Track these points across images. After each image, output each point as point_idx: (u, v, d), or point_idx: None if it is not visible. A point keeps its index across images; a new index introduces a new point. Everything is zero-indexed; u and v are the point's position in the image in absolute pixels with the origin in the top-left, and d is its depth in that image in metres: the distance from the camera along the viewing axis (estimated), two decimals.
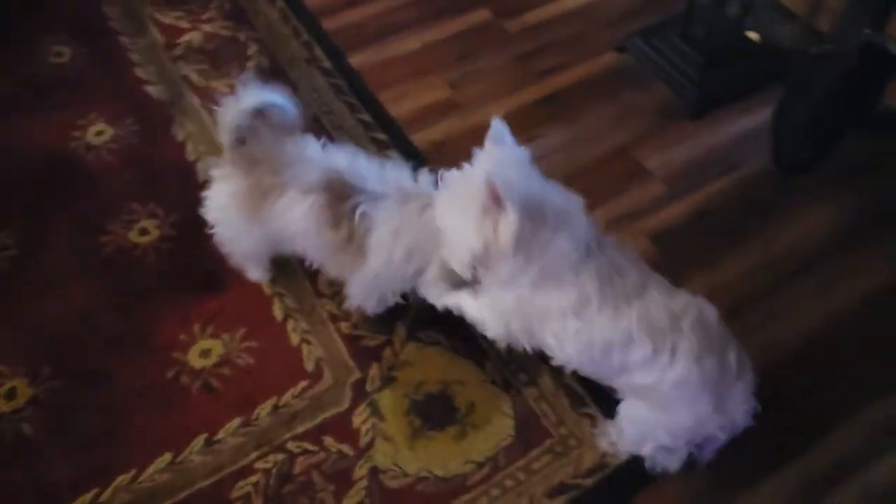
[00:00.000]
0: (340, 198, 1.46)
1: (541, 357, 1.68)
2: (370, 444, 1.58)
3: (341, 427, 1.61)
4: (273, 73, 2.30)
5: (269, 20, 2.49)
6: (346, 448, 1.58)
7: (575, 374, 1.68)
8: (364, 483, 1.53)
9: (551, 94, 2.28)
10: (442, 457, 1.58)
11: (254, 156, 1.50)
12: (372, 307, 1.69)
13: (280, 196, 1.48)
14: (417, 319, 1.76)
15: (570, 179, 2.07)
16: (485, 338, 1.74)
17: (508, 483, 1.55)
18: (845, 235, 1.96)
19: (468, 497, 1.52)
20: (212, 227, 1.66)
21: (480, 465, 1.56)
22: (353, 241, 1.48)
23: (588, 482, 1.55)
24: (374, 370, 1.69)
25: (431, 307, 1.59)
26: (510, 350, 1.71)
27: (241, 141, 1.49)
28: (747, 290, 1.85)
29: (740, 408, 1.33)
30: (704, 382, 1.29)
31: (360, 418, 1.62)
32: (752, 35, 2.33)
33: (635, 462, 1.56)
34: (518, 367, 1.71)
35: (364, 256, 1.49)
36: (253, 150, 1.50)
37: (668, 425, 1.39)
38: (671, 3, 2.41)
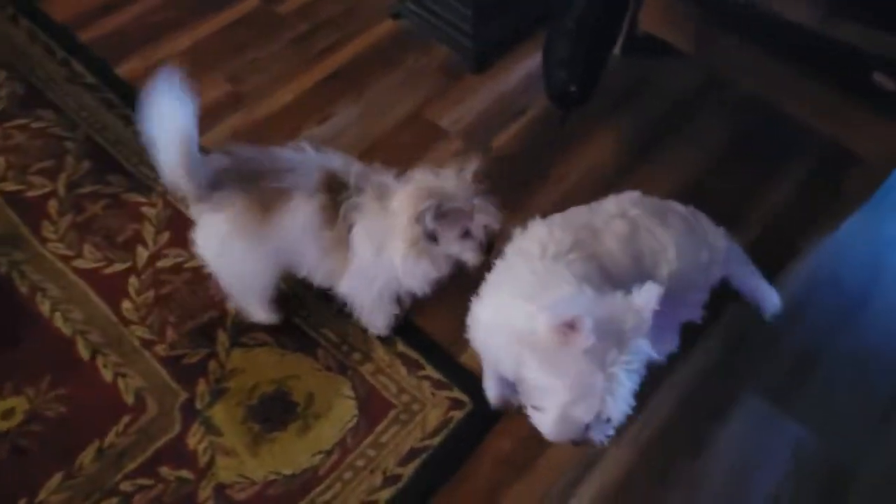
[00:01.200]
0: (334, 197, 1.44)
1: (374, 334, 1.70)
2: (210, 463, 1.52)
3: (176, 453, 1.53)
4: (31, 99, 2.10)
5: (14, 42, 2.26)
6: (185, 473, 1.50)
7: (407, 340, 1.71)
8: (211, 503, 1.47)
9: (334, 71, 2.25)
10: (289, 455, 1.54)
11: (252, 171, 1.43)
12: (379, 323, 1.67)
13: (286, 201, 1.42)
14: (237, 324, 1.70)
15: (370, 152, 2.10)
16: (312, 326, 1.72)
17: (360, 463, 1.54)
18: (633, 154, 2.10)
19: (321, 487, 1.50)
20: (208, 266, 1.56)
21: (329, 453, 1.55)
22: (342, 241, 1.47)
23: (436, 441, 1.58)
24: (201, 387, 1.61)
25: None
26: (341, 332, 1.71)
27: (212, 186, 1.40)
28: None
29: None
30: None
31: (194, 439, 1.54)
32: None
33: (478, 409, 1.61)
34: (350, 348, 1.70)
35: (348, 255, 1.48)
36: (250, 166, 1.43)
37: None
38: None
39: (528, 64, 2.31)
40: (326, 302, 1.73)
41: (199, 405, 1.59)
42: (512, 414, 1.62)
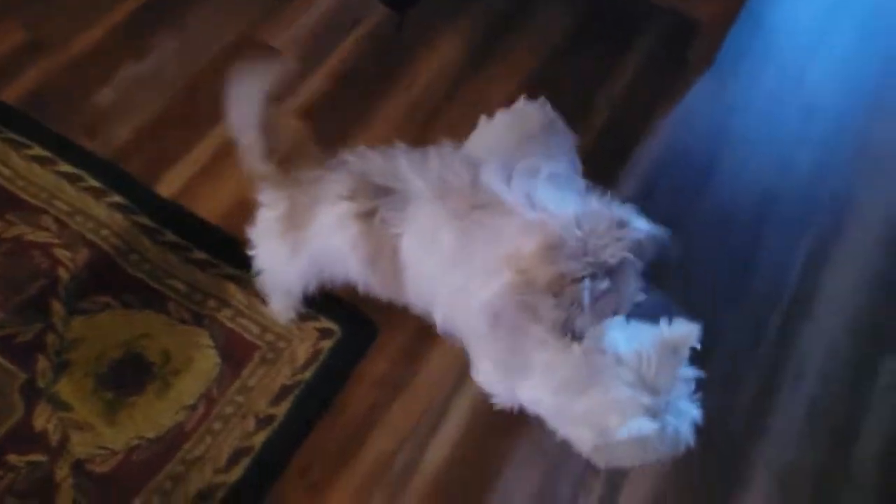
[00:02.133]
0: (366, 203, 1.16)
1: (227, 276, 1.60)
2: (63, 441, 1.40)
3: (23, 437, 1.40)
4: None
5: None
6: (36, 457, 1.38)
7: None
8: (70, 482, 1.36)
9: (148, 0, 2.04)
10: (150, 417, 1.44)
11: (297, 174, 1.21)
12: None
13: (313, 211, 1.20)
14: (72, 290, 1.55)
15: (198, 83, 1.94)
16: (157, 279, 1.60)
17: (229, 410, 1.46)
18: (477, 52, 2.03)
19: (190, 443, 1.42)
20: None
21: (194, 407, 1.46)
22: (383, 254, 1.19)
23: (308, 374, 1.52)
24: (41, 364, 1.47)
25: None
26: (191, 281, 1.60)
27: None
28: (412, 131, 1.87)
29: None
30: None
31: (41, 419, 1.42)
32: None
33: (348, 336, 1.56)
34: (204, 295, 1.59)
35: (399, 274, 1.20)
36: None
37: None
38: None
39: None
40: (171, 249, 1.61)
41: (41, 383, 1.45)
42: (384, 335, 1.58)
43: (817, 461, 1.49)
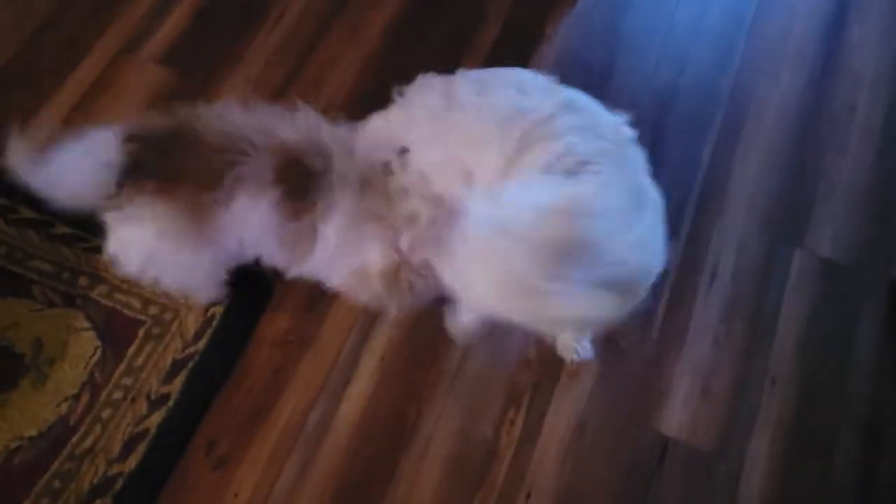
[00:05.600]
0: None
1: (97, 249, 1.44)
2: None
3: None
4: None
5: None
6: None
7: None
8: None
9: None
10: (28, 414, 1.31)
11: (173, 155, 1.10)
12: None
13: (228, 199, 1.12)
14: None
15: (41, 34, 1.71)
16: (17, 262, 1.43)
17: (117, 395, 1.34)
18: None
19: (77, 436, 1.30)
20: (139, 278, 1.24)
21: (77, 397, 1.33)
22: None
23: (201, 345, 1.40)
24: None
25: None
26: (57, 259, 1.44)
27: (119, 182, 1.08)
28: (288, 64, 1.71)
29: None
30: None
31: None
32: None
33: (240, 298, 1.44)
34: (73, 274, 1.43)
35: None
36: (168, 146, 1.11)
37: None
38: None
39: None
40: (29, 226, 1.45)
41: None
42: (280, 291, 1.47)
43: (736, 360, 1.48)
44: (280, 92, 1.68)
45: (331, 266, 1.27)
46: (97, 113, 1.61)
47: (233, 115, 1.16)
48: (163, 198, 1.10)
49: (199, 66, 1.69)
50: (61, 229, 1.46)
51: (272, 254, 1.26)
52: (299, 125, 1.18)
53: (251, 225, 1.17)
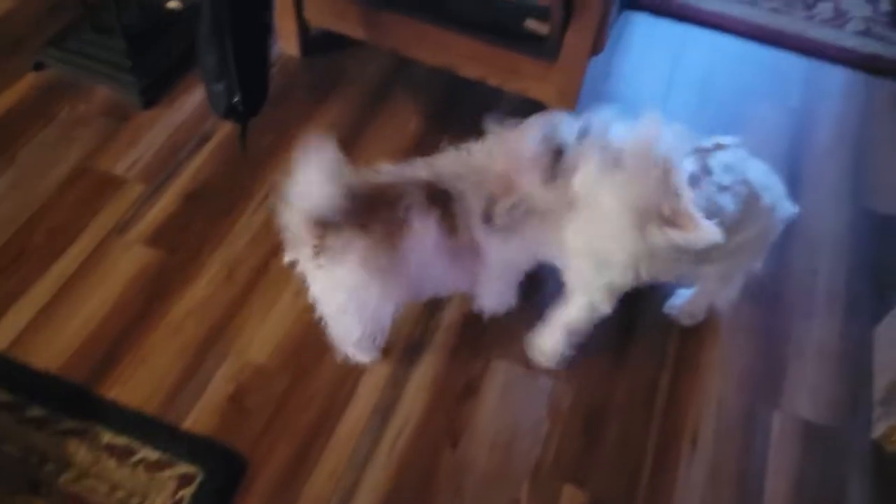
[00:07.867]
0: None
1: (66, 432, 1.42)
2: None
3: None
4: None
5: None
6: None
7: (111, 427, 1.45)
8: None
9: None
10: None
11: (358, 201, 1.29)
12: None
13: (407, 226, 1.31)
14: None
15: (34, 221, 1.80)
16: None
17: None
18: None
19: None
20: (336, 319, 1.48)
21: None
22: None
23: None
24: None
25: None
26: (26, 444, 1.41)
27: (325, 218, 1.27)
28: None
29: None
30: None
31: None
32: (173, 5, 2.22)
33: (212, 476, 1.40)
34: (40, 459, 1.40)
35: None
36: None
37: None
38: (69, 4, 2.19)
39: (202, 87, 2.11)
40: (3, 410, 1.44)
41: None
42: (254, 468, 1.43)
43: None
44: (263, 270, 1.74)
45: (508, 262, 1.47)
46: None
47: (381, 169, 1.37)
48: (360, 234, 1.28)
49: (184, 246, 1.76)
50: (34, 412, 1.45)
51: (446, 278, 1.45)
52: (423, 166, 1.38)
53: (427, 246, 1.33)
